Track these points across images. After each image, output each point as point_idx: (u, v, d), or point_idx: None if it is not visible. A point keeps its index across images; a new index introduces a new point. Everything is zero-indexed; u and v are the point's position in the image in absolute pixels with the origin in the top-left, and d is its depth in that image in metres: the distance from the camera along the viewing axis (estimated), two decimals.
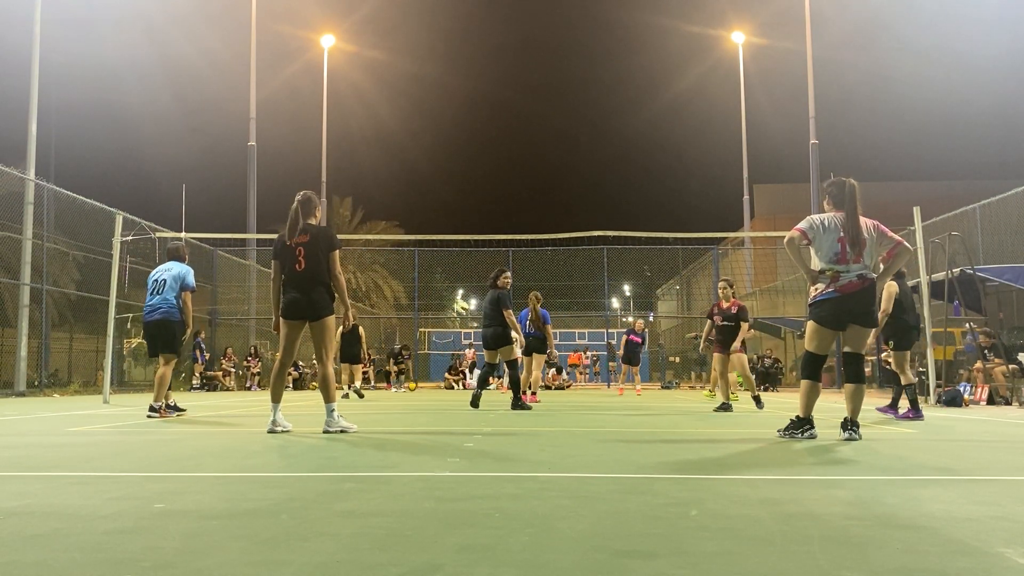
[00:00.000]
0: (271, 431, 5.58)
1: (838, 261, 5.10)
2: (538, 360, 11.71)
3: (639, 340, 16.06)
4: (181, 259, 8.03)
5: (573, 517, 2.51)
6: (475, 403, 9.17)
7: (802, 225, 5.29)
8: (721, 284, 9.80)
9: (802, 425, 5.26)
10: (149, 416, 7.48)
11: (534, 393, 11.39)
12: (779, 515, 2.55)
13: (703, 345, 12.03)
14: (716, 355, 9.45)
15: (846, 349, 5.30)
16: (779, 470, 3.81)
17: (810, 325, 5.31)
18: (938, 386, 11.01)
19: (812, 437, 5.19)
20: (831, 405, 9.45)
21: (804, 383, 5.31)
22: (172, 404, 7.90)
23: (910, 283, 14.62)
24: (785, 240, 5.32)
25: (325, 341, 5.62)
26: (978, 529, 2.35)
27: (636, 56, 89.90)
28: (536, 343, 11.40)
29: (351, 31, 42.28)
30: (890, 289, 7.93)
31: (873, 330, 5.37)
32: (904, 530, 2.34)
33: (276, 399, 5.72)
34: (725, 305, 9.36)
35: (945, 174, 41.43)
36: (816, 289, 5.18)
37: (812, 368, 5.30)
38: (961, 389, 11.11)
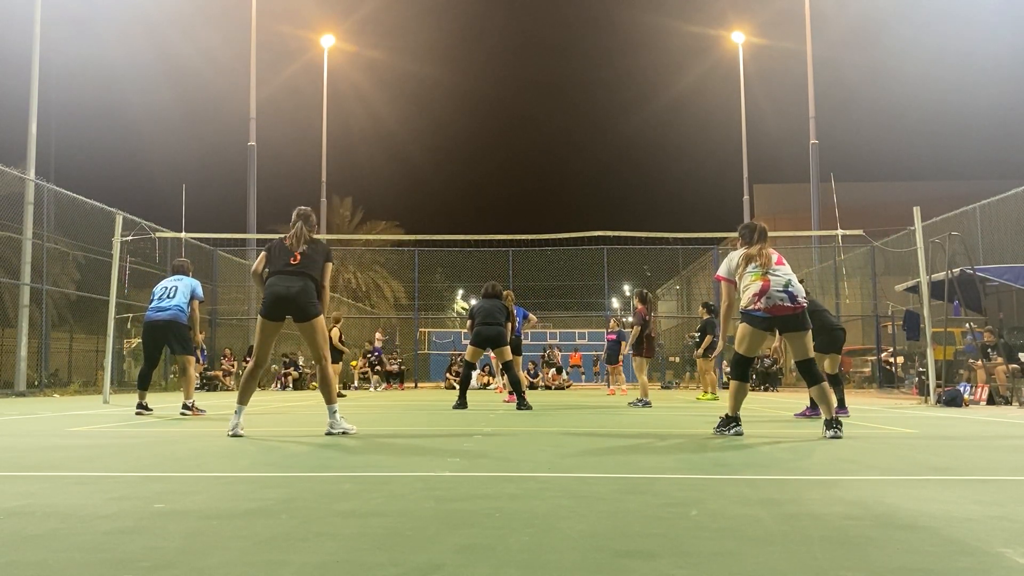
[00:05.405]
0: (234, 435, 5.30)
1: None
2: (516, 360, 11.66)
3: (614, 338, 15.91)
4: (186, 274, 8.41)
5: (573, 517, 2.51)
6: (462, 405, 9.08)
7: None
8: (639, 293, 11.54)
9: (730, 423, 5.53)
10: (182, 414, 7.84)
11: (511, 392, 11.30)
12: (779, 515, 2.55)
13: (701, 351, 12.40)
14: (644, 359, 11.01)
15: (795, 359, 5.56)
16: (779, 470, 3.81)
17: (741, 327, 5.53)
18: (938, 386, 11.00)
19: (739, 434, 5.44)
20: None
21: (732, 383, 5.61)
22: (191, 404, 8.04)
23: (910, 283, 14.67)
24: None
25: (319, 341, 5.54)
26: (978, 529, 2.35)
27: (636, 56, 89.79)
28: (513, 342, 11.37)
29: (351, 31, 42.13)
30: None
31: (809, 332, 5.54)
32: (904, 530, 2.34)
33: (243, 401, 5.45)
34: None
35: (945, 174, 41.43)
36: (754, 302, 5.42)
37: (741, 369, 5.56)
38: (961, 389, 11.10)
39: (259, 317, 5.54)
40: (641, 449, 4.68)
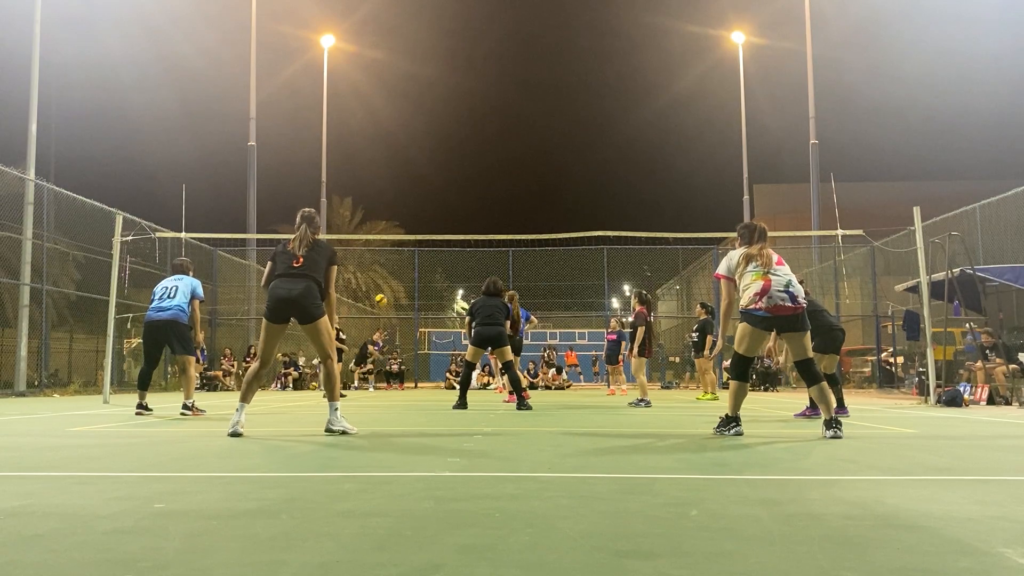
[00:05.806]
0: (234, 433, 5.31)
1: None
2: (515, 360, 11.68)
3: (614, 338, 15.83)
4: (187, 274, 8.44)
5: (573, 517, 2.51)
6: (462, 406, 9.09)
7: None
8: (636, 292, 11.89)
9: (730, 423, 5.53)
10: (182, 414, 7.86)
11: (511, 392, 11.31)
12: (779, 515, 2.55)
13: (706, 352, 12.42)
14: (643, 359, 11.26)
15: (794, 359, 5.56)
16: (779, 470, 3.81)
17: (741, 327, 5.52)
18: (938, 386, 11.00)
19: (739, 434, 5.44)
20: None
21: (732, 383, 5.61)
22: (191, 404, 8.05)
23: (910, 283, 14.67)
24: None
25: (323, 341, 5.57)
26: (978, 529, 2.35)
27: (636, 56, 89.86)
28: (514, 343, 11.37)
29: (351, 31, 42.16)
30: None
31: (808, 332, 5.55)
32: (904, 530, 2.34)
33: (246, 399, 5.54)
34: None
35: (945, 174, 41.44)
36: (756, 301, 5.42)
37: (741, 369, 5.56)
38: (961, 389, 11.10)
39: (263, 319, 5.59)
40: (641, 449, 4.68)
